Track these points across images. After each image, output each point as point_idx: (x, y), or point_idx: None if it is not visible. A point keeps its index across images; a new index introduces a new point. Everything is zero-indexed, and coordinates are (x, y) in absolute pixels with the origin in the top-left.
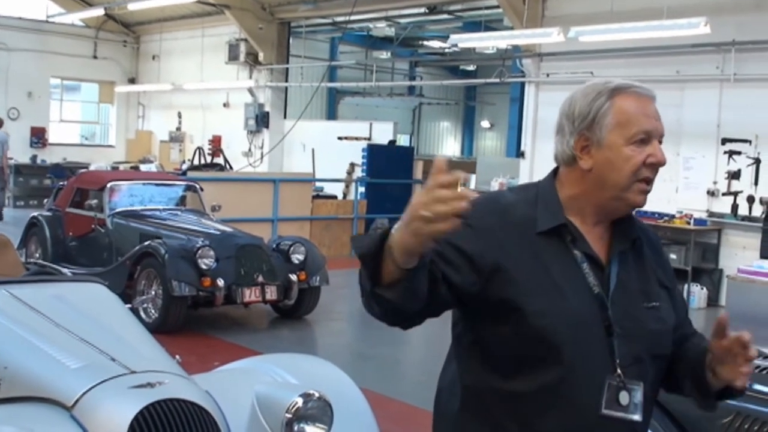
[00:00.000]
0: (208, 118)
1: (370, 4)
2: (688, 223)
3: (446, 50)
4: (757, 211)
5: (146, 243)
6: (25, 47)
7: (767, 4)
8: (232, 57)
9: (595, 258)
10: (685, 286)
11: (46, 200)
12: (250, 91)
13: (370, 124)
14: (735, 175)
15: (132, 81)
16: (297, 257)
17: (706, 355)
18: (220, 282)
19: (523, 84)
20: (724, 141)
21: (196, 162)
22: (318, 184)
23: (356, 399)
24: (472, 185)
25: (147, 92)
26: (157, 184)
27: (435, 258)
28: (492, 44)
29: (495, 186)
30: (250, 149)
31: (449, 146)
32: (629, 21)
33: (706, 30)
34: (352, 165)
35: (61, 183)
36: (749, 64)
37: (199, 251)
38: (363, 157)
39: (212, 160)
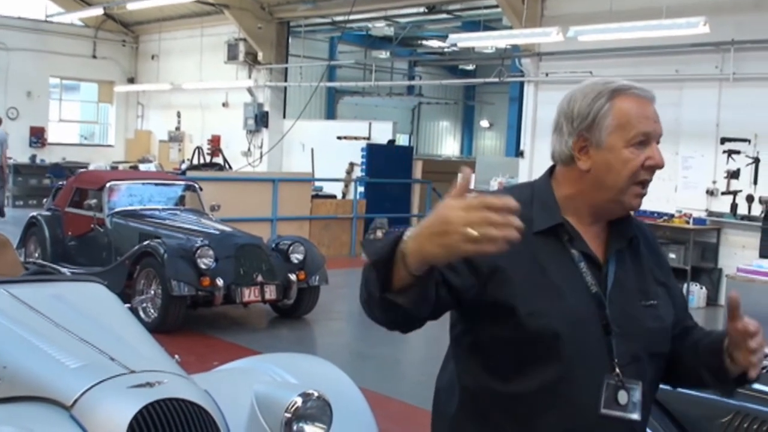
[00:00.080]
0: (207, 118)
1: (369, 3)
2: (688, 223)
3: (445, 50)
4: (757, 210)
5: (145, 243)
6: (24, 47)
7: (766, 4)
8: (231, 57)
9: (593, 257)
10: (685, 286)
11: (45, 200)
12: (249, 90)
13: (369, 124)
14: (734, 175)
15: (131, 81)
16: (296, 257)
17: (722, 341)
18: (220, 282)
19: (522, 83)
20: (723, 140)
21: (195, 162)
22: (317, 183)
23: (355, 398)
24: (472, 185)
25: (146, 92)
26: (156, 184)
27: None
28: (491, 44)
29: (494, 185)
30: (249, 149)
31: (448, 146)
32: (628, 20)
33: (705, 29)
34: (351, 165)
35: (61, 183)
36: (748, 63)
37: (199, 251)
38: (362, 156)
39: (211, 159)
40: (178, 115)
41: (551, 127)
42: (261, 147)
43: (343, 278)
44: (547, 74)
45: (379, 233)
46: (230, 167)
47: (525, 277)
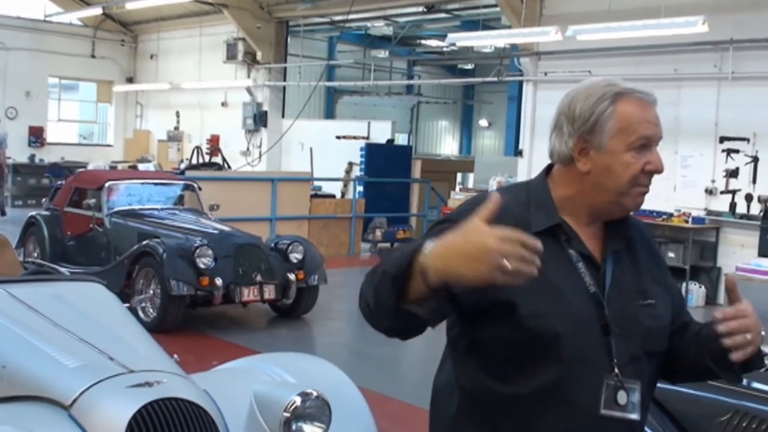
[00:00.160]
0: (206, 118)
1: (368, 3)
2: (687, 222)
3: (444, 49)
4: (755, 209)
5: (144, 242)
6: (23, 46)
7: (765, 3)
8: (230, 56)
9: (591, 257)
10: (684, 285)
11: (44, 200)
12: (248, 90)
13: (368, 123)
14: (733, 174)
15: (130, 80)
16: (295, 256)
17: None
18: (219, 281)
19: (521, 83)
20: (722, 139)
21: (194, 161)
22: (316, 183)
23: (354, 398)
24: (470, 184)
25: (145, 92)
26: (155, 184)
27: None
28: (490, 43)
29: (493, 185)
30: (248, 148)
31: (447, 145)
32: (627, 20)
33: (704, 28)
34: (350, 164)
35: (59, 182)
36: (747, 62)
37: (198, 250)
38: (361, 156)
39: (210, 159)
40: (177, 114)
41: (550, 125)
42: (260, 146)
43: (342, 278)
44: (545, 73)
45: (378, 233)
46: (229, 167)
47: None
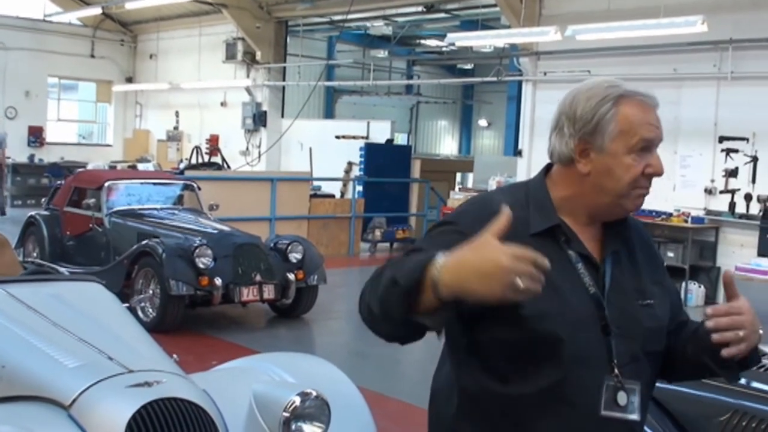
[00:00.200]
0: (205, 117)
1: (368, 2)
2: (686, 221)
3: (443, 49)
4: (755, 208)
5: (144, 242)
6: (22, 46)
7: (764, 3)
8: (230, 56)
9: (590, 258)
10: (683, 284)
11: (43, 199)
12: (248, 90)
13: (368, 123)
14: (732, 173)
15: (129, 80)
16: (295, 256)
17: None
18: (218, 281)
19: (520, 82)
20: (722, 139)
21: (193, 161)
22: (315, 183)
23: (354, 398)
24: (470, 184)
25: (144, 91)
26: (154, 184)
27: None
28: (489, 43)
29: (492, 184)
30: (247, 148)
31: (447, 145)
32: (626, 19)
33: (703, 28)
34: (350, 164)
35: (59, 182)
36: (746, 61)
37: (197, 250)
38: (360, 155)
39: (210, 159)
40: (177, 114)
41: (550, 125)
42: (259, 146)
43: (342, 277)
44: (545, 73)
45: (378, 232)
46: (228, 167)
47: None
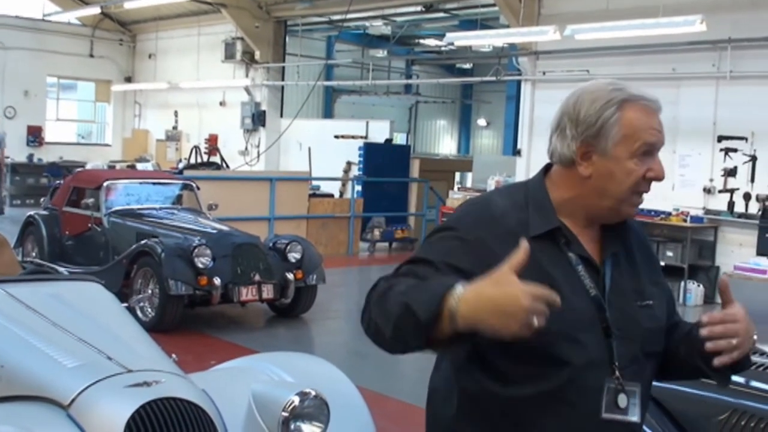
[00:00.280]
0: (204, 117)
1: (367, 2)
2: (685, 221)
3: (442, 48)
4: (754, 208)
5: (143, 242)
6: (21, 46)
7: (763, 2)
8: (229, 55)
9: (590, 260)
10: (682, 284)
11: (42, 199)
12: (247, 89)
13: (367, 123)
14: (731, 173)
15: (128, 80)
16: (293, 256)
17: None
18: (217, 281)
19: (519, 82)
20: (720, 138)
21: (192, 161)
22: (314, 182)
23: (353, 397)
24: (469, 184)
25: (143, 91)
26: (153, 183)
27: None
28: (488, 42)
29: (491, 184)
30: (246, 148)
31: (446, 144)
32: (625, 19)
33: (702, 28)
34: (349, 163)
35: (58, 182)
36: (745, 61)
37: (196, 250)
38: (359, 155)
39: (209, 158)
40: (176, 114)
41: (549, 125)
42: (258, 146)
43: (341, 277)
44: (544, 73)
45: (377, 232)
46: (227, 166)
47: (528, 281)
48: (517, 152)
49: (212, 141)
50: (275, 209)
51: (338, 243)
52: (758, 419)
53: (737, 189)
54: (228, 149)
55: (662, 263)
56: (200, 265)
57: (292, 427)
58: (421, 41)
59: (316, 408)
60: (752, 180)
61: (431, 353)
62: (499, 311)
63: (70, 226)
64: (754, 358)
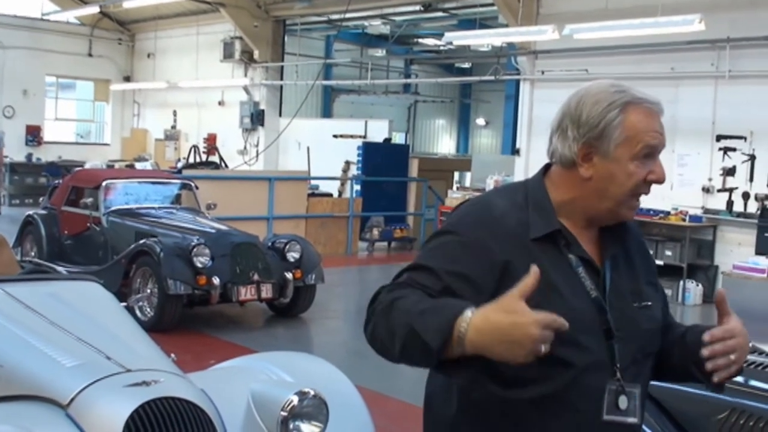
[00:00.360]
0: (203, 117)
1: (365, 2)
2: (684, 220)
3: (441, 48)
4: (752, 207)
5: (141, 241)
6: (19, 45)
7: (762, 2)
8: (227, 55)
9: (591, 262)
10: (680, 283)
11: (41, 198)
12: (245, 89)
13: (366, 122)
14: (730, 172)
15: (127, 79)
16: (292, 255)
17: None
18: (216, 280)
19: (518, 81)
20: (719, 137)
21: (191, 160)
22: (313, 182)
23: (352, 397)
24: (468, 183)
25: (142, 90)
26: (152, 183)
27: (443, 296)
28: (487, 42)
29: (490, 183)
30: (245, 147)
31: (444, 144)
32: (624, 18)
33: (701, 27)
34: (348, 163)
35: (57, 181)
36: (744, 60)
37: (195, 249)
38: (358, 155)
39: (207, 158)
40: (174, 113)
41: (549, 124)
42: (257, 145)
43: (340, 277)
44: (543, 72)
45: (375, 231)
46: (226, 166)
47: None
48: (515, 152)
49: (211, 140)
50: (274, 209)
51: (337, 242)
52: (757, 418)
53: (736, 188)
54: (227, 149)
55: (661, 262)
56: (199, 265)
57: (291, 426)
58: (420, 41)
59: (315, 407)
60: (751, 179)
61: (442, 375)
62: (507, 340)
63: (68, 226)
64: (753, 358)
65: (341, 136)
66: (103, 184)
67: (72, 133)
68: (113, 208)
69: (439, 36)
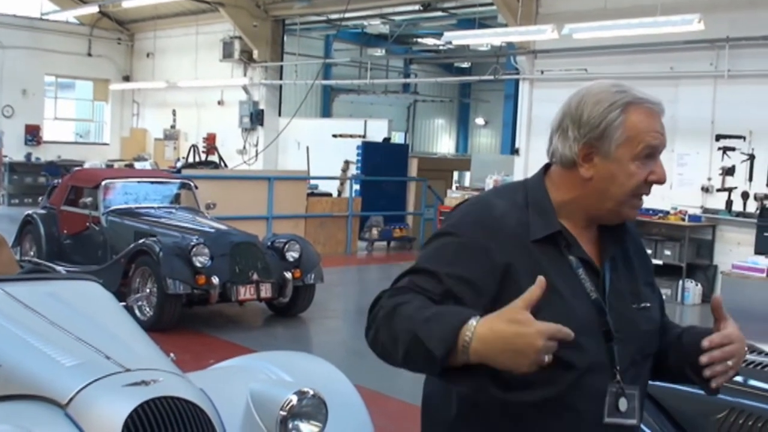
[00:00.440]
0: (202, 116)
1: (365, 1)
2: (683, 220)
3: (440, 47)
4: (752, 207)
5: (141, 241)
6: (19, 45)
7: (761, 1)
8: (227, 54)
9: (591, 263)
10: (680, 283)
11: (40, 198)
12: (245, 88)
13: (365, 122)
14: (729, 171)
15: (126, 79)
16: (292, 255)
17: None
18: (215, 280)
19: (517, 81)
20: (719, 137)
21: (190, 160)
22: (312, 181)
23: (351, 396)
24: (467, 183)
25: (141, 90)
26: (151, 182)
27: (445, 300)
28: (486, 41)
29: (489, 183)
30: (244, 147)
31: (444, 143)
32: (623, 18)
33: (700, 26)
34: (347, 162)
35: (56, 181)
36: (743, 60)
37: (194, 249)
38: (357, 154)
39: (207, 157)
40: (174, 113)
41: (548, 124)
42: (256, 145)
43: (339, 276)
44: (542, 72)
45: (375, 231)
46: (225, 165)
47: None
48: (515, 151)
49: (210, 140)
50: (273, 208)
51: (336, 242)
52: (756, 418)
53: (735, 188)
54: (226, 148)
55: (660, 262)
56: (198, 264)
57: (290, 426)
58: (420, 40)
59: (314, 407)
60: (750, 179)
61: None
62: (511, 350)
63: (68, 225)
64: (752, 357)
65: (340, 135)
66: (103, 183)
67: (71, 132)
68: (112, 208)
69: (439, 35)
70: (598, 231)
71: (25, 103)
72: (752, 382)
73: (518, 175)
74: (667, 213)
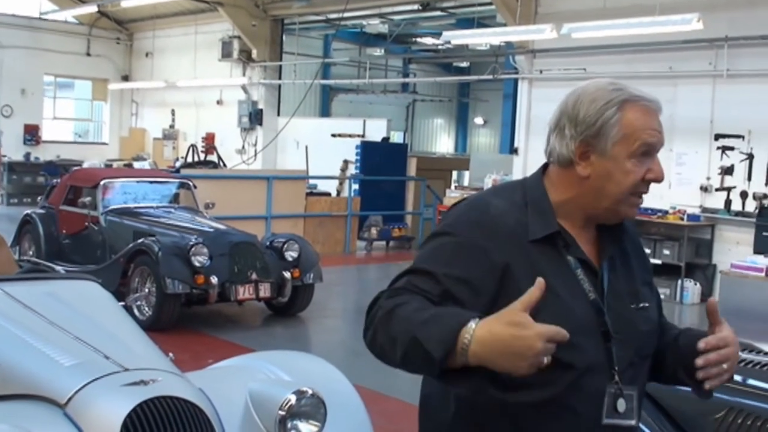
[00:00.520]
0: (201, 116)
1: (364, 1)
2: (682, 219)
3: (439, 47)
4: (751, 206)
5: (140, 240)
6: (18, 44)
7: (760, 1)
8: (226, 54)
9: (589, 263)
10: (679, 282)
11: (39, 198)
12: (244, 88)
13: (364, 121)
14: (728, 171)
15: (125, 78)
16: (290, 254)
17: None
18: (214, 279)
19: (516, 81)
20: (717, 137)
21: (189, 159)
22: (311, 181)
23: (350, 396)
24: (466, 182)
25: (140, 90)
26: (150, 182)
27: (443, 301)
28: (485, 41)
29: (488, 182)
30: (243, 146)
31: (443, 143)
32: (622, 17)
33: (699, 26)
34: (346, 162)
35: (55, 180)
36: (742, 59)
37: (193, 249)
38: (356, 154)
39: (206, 157)
40: (173, 112)
41: (546, 123)
42: (255, 145)
43: (338, 276)
44: (541, 71)
45: (374, 231)
46: (224, 165)
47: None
48: (514, 151)
49: (209, 140)
50: (272, 208)
51: (335, 241)
52: (755, 417)
53: (734, 187)
54: (225, 148)
55: (659, 262)
56: (197, 264)
57: (289, 425)
58: (418, 40)
59: (313, 406)
60: (749, 178)
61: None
62: (510, 352)
63: (67, 225)
64: (751, 357)
65: (339, 135)
66: (102, 183)
67: (70, 132)
68: (111, 208)
69: (438, 35)
70: (596, 231)
71: (24, 102)
72: (751, 382)
73: (517, 175)
74: (666, 212)
